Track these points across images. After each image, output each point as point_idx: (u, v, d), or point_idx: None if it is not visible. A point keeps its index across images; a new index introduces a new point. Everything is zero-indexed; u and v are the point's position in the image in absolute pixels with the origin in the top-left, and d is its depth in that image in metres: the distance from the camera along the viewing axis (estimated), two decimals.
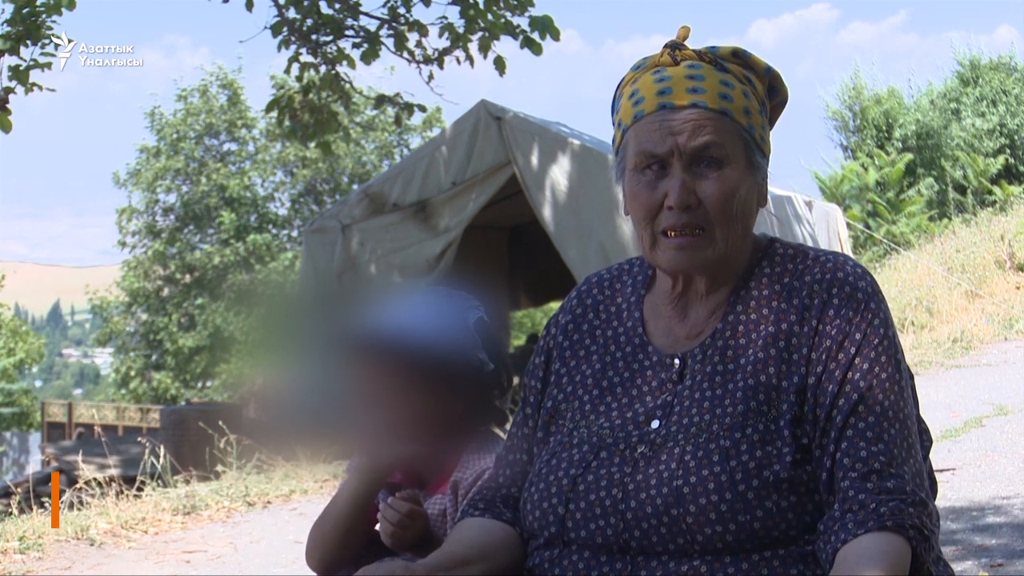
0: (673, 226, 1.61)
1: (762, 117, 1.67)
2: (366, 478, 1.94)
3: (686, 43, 1.68)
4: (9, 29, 7.83)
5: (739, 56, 1.67)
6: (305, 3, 9.09)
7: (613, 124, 1.72)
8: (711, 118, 1.61)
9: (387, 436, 1.93)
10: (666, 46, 1.67)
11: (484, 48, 8.95)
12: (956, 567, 3.21)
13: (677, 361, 1.67)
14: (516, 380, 2.07)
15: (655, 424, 1.64)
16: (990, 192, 19.43)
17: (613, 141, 1.72)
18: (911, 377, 1.67)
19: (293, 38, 9.16)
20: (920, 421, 1.67)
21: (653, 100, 1.63)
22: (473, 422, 1.98)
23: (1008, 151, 20.88)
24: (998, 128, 21.08)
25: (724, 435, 1.57)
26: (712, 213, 1.61)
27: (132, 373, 31.51)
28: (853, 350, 1.57)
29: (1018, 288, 13.30)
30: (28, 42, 7.87)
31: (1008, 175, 20.41)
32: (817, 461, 1.55)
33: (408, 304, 2.00)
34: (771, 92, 1.71)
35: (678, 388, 1.65)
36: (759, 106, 1.66)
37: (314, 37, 9.25)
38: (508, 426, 1.86)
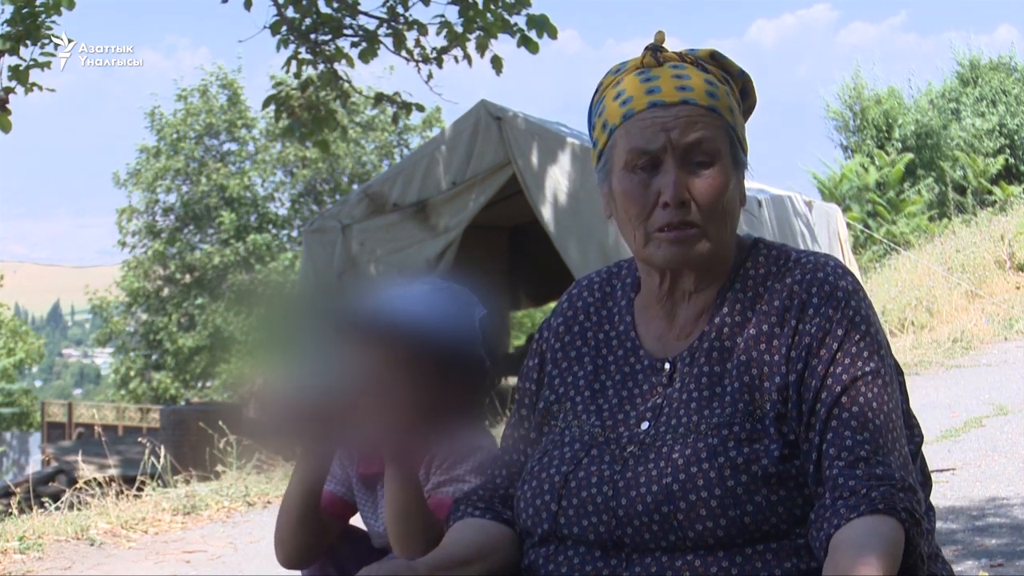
0: (668, 223, 1.62)
1: (740, 117, 1.71)
2: (309, 464, 1.97)
3: (664, 46, 1.70)
4: (9, 29, 7.84)
5: (716, 59, 1.70)
6: (304, 2, 9.09)
7: (592, 128, 1.73)
8: (702, 114, 1.63)
9: (378, 419, 1.91)
10: (647, 48, 1.69)
11: (481, 47, 8.95)
12: (956, 567, 3.21)
13: (668, 365, 1.69)
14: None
15: (645, 425, 1.65)
16: (990, 192, 19.41)
17: (595, 144, 1.72)
18: (900, 373, 1.68)
19: (292, 37, 9.16)
20: (910, 417, 1.69)
21: (643, 98, 1.64)
22: (459, 416, 1.97)
23: (1008, 151, 20.83)
24: (998, 128, 21.04)
25: (712, 434, 1.59)
26: (704, 210, 1.62)
27: (132, 373, 31.51)
28: (835, 346, 1.59)
29: (1018, 288, 13.29)
30: (28, 42, 7.88)
31: (1008, 175, 20.38)
32: (804, 454, 1.57)
33: (419, 291, 1.99)
34: (743, 95, 1.74)
35: (668, 391, 1.67)
36: (737, 106, 1.70)
37: (313, 36, 9.25)
38: (504, 427, 1.86)
